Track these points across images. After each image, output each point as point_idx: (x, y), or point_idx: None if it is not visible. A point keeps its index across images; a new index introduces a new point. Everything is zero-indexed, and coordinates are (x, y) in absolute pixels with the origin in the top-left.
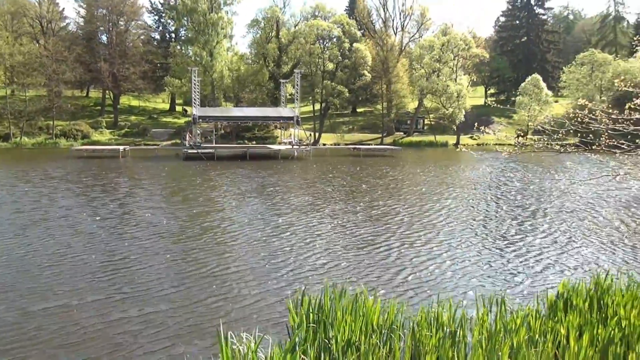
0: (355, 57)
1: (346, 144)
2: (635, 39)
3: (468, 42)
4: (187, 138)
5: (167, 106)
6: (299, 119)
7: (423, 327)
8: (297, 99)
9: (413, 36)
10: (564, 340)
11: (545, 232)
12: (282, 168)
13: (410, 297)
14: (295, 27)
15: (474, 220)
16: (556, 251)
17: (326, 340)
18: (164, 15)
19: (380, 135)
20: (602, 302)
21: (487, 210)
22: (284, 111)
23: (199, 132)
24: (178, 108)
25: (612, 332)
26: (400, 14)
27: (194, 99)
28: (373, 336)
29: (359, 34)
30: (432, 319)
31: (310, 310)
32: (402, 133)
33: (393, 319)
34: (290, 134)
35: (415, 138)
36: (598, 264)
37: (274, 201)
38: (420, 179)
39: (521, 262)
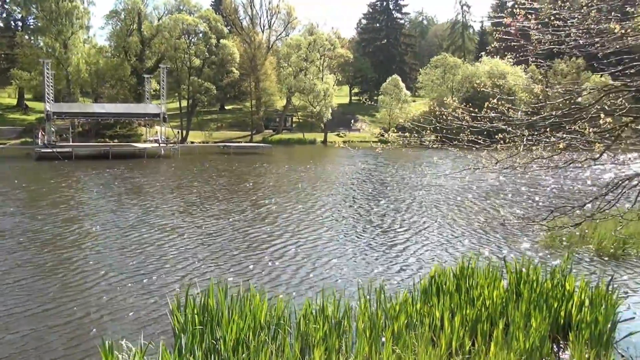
0: (222, 54)
1: (215, 142)
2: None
3: (333, 43)
4: (40, 136)
5: (14, 101)
6: (166, 116)
7: (310, 320)
8: (163, 95)
9: (280, 35)
10: (438, 322)
11: (416, 223)
12: (152, 167)
13: (297, 292)
14: (159, 20)
15: (352, 215)
16: (427, 240)
17: (214, 342)
18: (8, 1)
19: (249, 133)
20: (468, 284)
21: (363, 205)
22: (149, 107)
23: (53, 129)
24: (36, 104)
25: (479, 311)
26: (267, 12)
27: (47, 94)
28: (262, 333)
29: (225, 30)
30: (317, 311)
31: (196, 312)
32: (271, 131)
33: (280, 315)
34: (157, 132)
35: (284, 136)
36: (464, 250)
37: (154, 202)
38: (297, 176)
39: (397, 252)
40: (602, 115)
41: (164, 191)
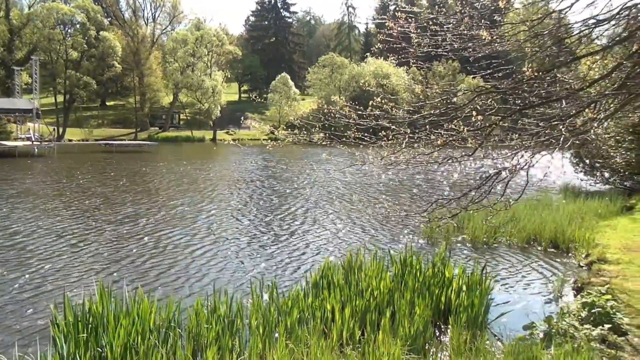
0: (103, 47)
1: (96, 140)
2: (374, 47)
3: (221, 39)
4: None
5: None
6: (39, 112)
7: (202, 320)
8: (35, 90)
9: (165, 29)
10: (329, 315)
11: (308, 218)
12: (27, 168)
13: (188, 292)
14: (29, 8)
15: (243, 213)
16: (317, 234)
17: (99, 350)
18: None
19: (133, 130)
20: (357, 277)
21: (255, 203)
22: (20, 102)
23: None
24: None
25: (368, 302)
26: (150, 4)
27: None
28: (151, 337)
29: (106, 22)
30: (209, 311)
31: (79, 319)
32: (157, 128)
33: (171, 317)
34: (29, 129)
35: (171, 133)
36: (352, 244)
37: (46, 207)
38: (186, 174)
39: (288, 247)
40: (475, 114)
41: (41, 193)
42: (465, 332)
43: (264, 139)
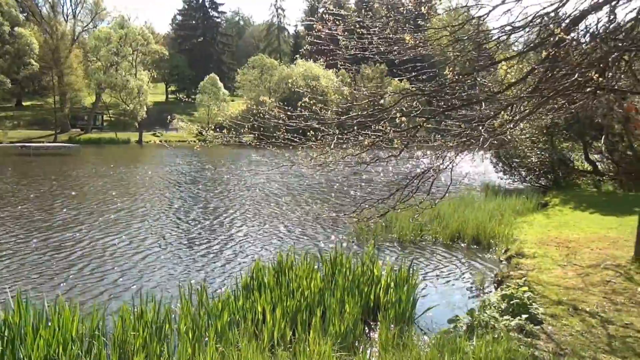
0: (18, 44)
1: (11, 142)
2: (303, 49)
3: (147, 38)
4: None
5: None
6: None
7: (128, 327)
8: None
9: (87, 26)
10: (260, 317)
11: (238, 220)
12: None
13: (115, 299)
14: None
15: (174, 216)
16: (248, 236)
17: None
18: None
19: (53, 132)
20: (288, 277)
21: (185, 205)
22: None
23: None
24: None
25: (299, 302)
26: (70, 0)
27: None
28: (74, 347)
29: (21, 17)
30: (136, 318)
31: None
32: (79, 130)
33: (95, 325)
34: None
35: (94, 135)
36: (283, 245)
37: None
38: (113, 178)
39: (218, 250)
40: (399, 116)
41: None
42: (393, 327)
43: (192, 141)
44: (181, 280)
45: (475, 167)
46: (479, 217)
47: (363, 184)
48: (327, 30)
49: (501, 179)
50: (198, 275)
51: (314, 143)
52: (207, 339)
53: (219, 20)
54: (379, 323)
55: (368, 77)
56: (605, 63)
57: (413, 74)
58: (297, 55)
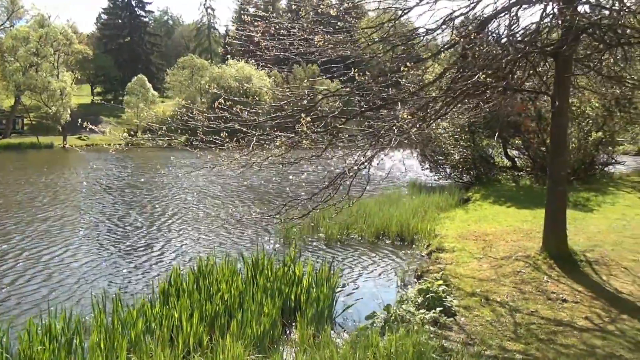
0: None
1: None
2: (233, 49)
3: (69, 37)
4: None
5: None
6: None
7: (35, 342)
8: None
9: (3, 25)
10: (177, 323)
11: (158, 225)
12: None
13: (21, 313)
14: None
15: (93, 223)
16: (168, 241)
17: None
18: None
19: None
20: (208, 281)
21: (105, 211)
22: None
23: None
24: None
25: (217, 306)
26: None
27: None
28: None
29: None
30: (44, 331)
31: None
32: None
33: None
34: None
35: (13, 140)
36: (204, 248)
37: None
38: (39, 185)
39: (136, 257)
40: (321, 115)
41: None
42: (312, 327)
43: (120, 144)
44: (98, 288)
45: (403, 165)
46: (404, 214)
47: (304, 184)
48: (251, 31)
49: (427, 176)
50: (115, 283)
51: (231, 144)
52: (119, 349)
53: (146, 19)
54: (297, 323)
55: (301, 77)
56: (512, 65)
57: (341, 73)
58: (229, 56)
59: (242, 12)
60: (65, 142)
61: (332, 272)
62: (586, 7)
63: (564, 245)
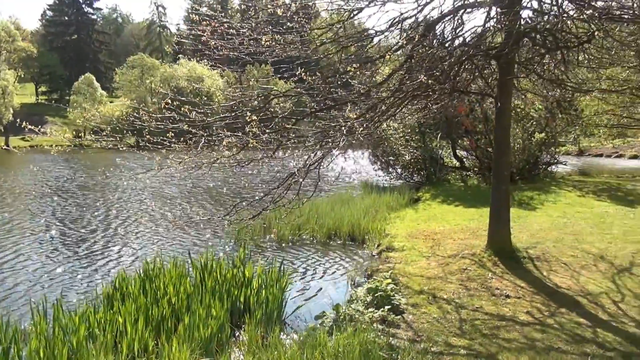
0: None
1: None
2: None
3: (12, 34)
4: None
5: None
6: None
7: None
8: None
9: None
10: (122, 328)
11: (104, 228)
12: None
13: None
14: None
15: (34, 227)
16: (115, 245)
17: None
18: None
19: None
20: (155, 285)
21: (57, 214)
22: None
23: None
24: None
25: (164, 310)
26: None
27: None
28: None
29: None
30: None
31: None
32: None
33: None
34: None
35: None
36: (152, 251)
37: None
38: None
39: (81, 262)
40: (272, 116)
41: None
42: (262, 328)
43: (62, 145)
44: (40, 294)
45: (355, 165)
46: (355, 214)
47: (261, 184)
48: (199, 31)
49: (379, 176)
50: (58, 289)
51: (179, 145)
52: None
53: (94, 16)
54: (246, 326)
55: (254, 78)
56: (457, 67)
57: (291, 74)
58: (180, 55)
59: (191, 11)
60: (7, 143)
61: (282, 273)
62: (528, 12)
63: (508, 243)
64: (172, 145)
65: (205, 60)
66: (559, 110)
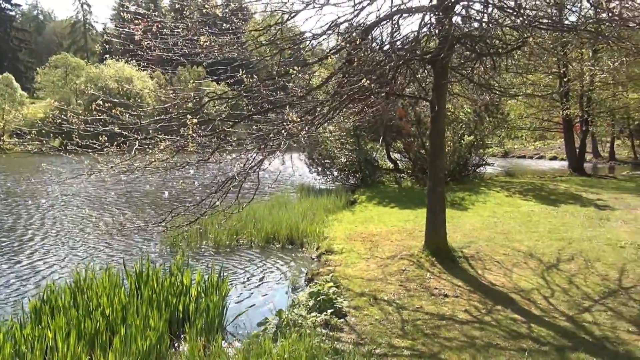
0: None
1: None
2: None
3: None
4: None
5: None
6: None
7: None
8: None
9: None
10: (52, 343)
11: (28, 237)
12: None
13: None
14: None
15: None
16: (40, 255)
17: None
18: None
19: None
20: (87, 296)
21: None
22: None
23: None
24: None
25: (98, 322)
26: None
27: None
28: None
29: None
30: None
31: None
32: None
33: None
34: None
35: None
36: (82, 262)
37: None
38: None
39: (5, 273)
40: (209, 119)
41: None
42: (203, 337)
43: None
44: None
45: (289, 168)
46: (293, 217)
47: (200, 188)
48: (130, 30)
49: (315, 179)
50: None
51: (111, 149)
52: None
53: (13, 13)
54: (186, 335)
55: (185, 79)
56: (394, 71)
57: (227, 76)
58: (107, 55)
59: (121, 9)
60: None
61: (221, 279)
62: (459, 19)
63: (444, 243)
64: (104, 148)
65: (135, 61)
66: (487, 113)
